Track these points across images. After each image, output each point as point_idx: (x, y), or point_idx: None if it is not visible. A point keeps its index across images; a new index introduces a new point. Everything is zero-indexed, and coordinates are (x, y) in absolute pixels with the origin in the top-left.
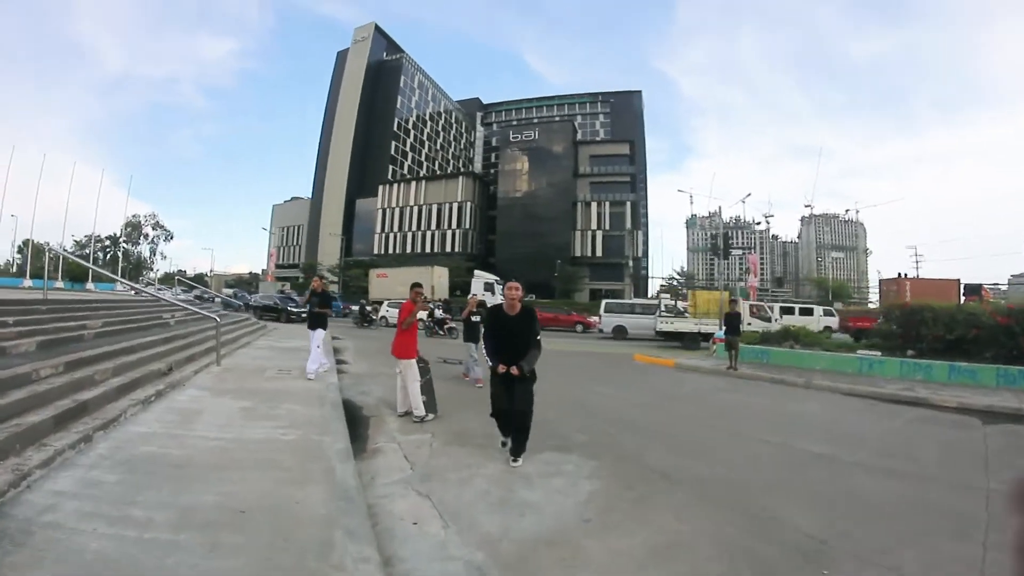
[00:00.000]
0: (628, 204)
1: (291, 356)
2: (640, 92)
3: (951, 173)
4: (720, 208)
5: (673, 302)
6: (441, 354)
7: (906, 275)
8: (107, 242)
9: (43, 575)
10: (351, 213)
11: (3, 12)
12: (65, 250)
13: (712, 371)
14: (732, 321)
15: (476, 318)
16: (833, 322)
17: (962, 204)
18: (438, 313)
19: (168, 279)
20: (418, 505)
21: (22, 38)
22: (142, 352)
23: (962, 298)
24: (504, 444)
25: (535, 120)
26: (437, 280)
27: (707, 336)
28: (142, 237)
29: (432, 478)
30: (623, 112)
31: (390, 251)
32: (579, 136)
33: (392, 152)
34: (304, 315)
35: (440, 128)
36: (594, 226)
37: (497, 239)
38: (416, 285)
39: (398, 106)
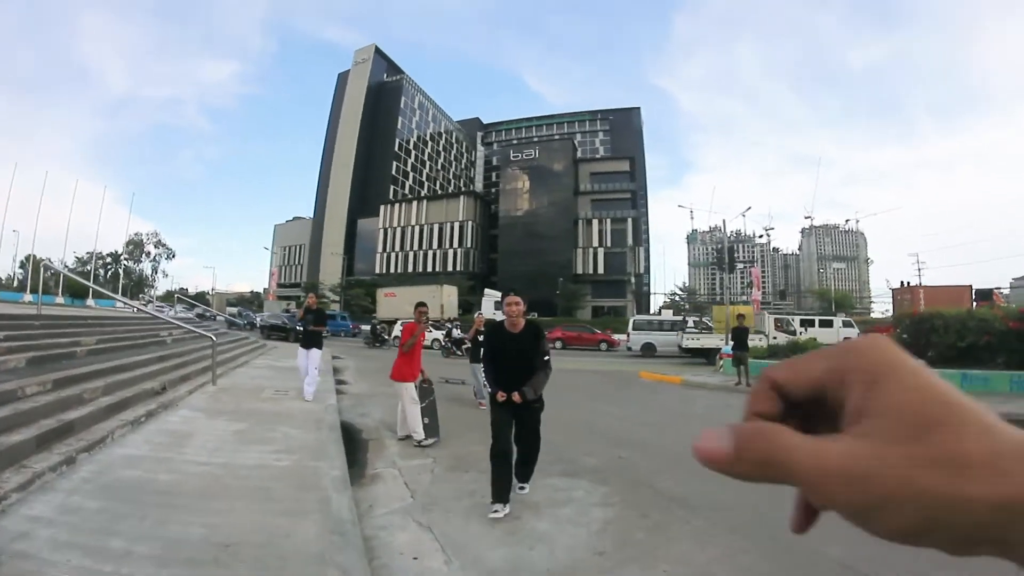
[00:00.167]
0: (629, 221)
1: (290, 376)
2: (639, 109)
3: (950, 179)
4: (724, 221)
5: (700, 317)
6: (445, 374)
7: (909, 283)
8: (108, 259)
9: None
10: (353, 233)
11: (11, 34)
12: (66, 266)
13: (721, 387)
14: (740, 336)
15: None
16: (852, 333)
17: (962, 209)
18: (456, 333)
19: (169, 297)
20: (419, 538)
21: (28, 59)
22: (136, 371)
23: (974, 303)
24: (495, 511)
25: (535, 139)
26: (446, 299)
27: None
28: (144, 255)
29: (434, 507)
30: (623, 129)
31: (392, 270)
32: (579, 154)
33: (393, 172)
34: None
35: (441, 148)
36: (595, 243)
37: (499, 258)
38: (420, 304)
39: (399, 127)
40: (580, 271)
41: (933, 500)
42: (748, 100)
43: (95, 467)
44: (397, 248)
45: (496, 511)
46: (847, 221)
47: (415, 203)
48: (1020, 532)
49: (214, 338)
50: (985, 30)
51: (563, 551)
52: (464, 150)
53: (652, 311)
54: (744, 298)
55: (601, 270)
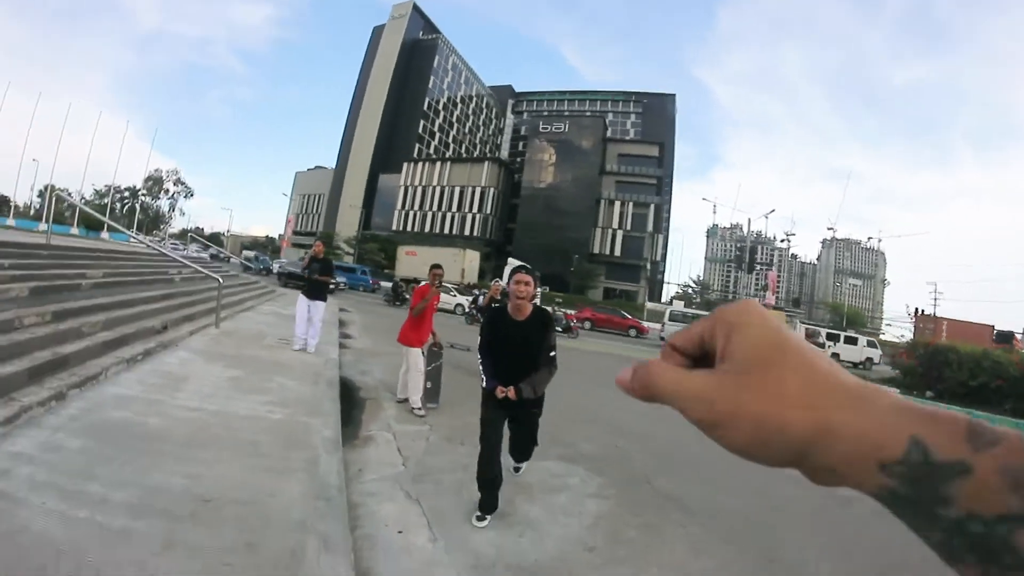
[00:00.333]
0: (652, 206)
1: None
2: (674, 96)
3: (979, 211)
4: (749, 220)
5: None
6: (462, 340)
7: (923, 311)
8: (126, 193)
9: None
10: (373, 187)
11: None
12: (83, 198)
13: None
14: None
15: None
16: (875, 354)
17: (987, 243)
18: (482, 300)
19: (183, 235)
20: (406, 510)
21: None
22: (139, 307)
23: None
24: (480, 518)
25: (566, 113)
26: (468, 264)
27: None
28: (162, 192)
29: (425, 478)
30: (655, 114)
31: (409, 229)
32: (609, 133)
33: (420, 131)
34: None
35: (470, 111)
36: (615, 225)
37: (517, 228)
38: (435, 267)
39: (430, 86)
40: (596, 251)
41: (761, 421)
42: (784, 102)
43: (84, 404)
44: (416, 207)
45: (482, 518)
46: (869, 238)
47: (438, 164)
48: (819, 450)
49: (220, 280)
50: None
51: (553, 542)
52: (493, 116)
53: (664, 300)
54: (758, 300)
55: (618, 252)
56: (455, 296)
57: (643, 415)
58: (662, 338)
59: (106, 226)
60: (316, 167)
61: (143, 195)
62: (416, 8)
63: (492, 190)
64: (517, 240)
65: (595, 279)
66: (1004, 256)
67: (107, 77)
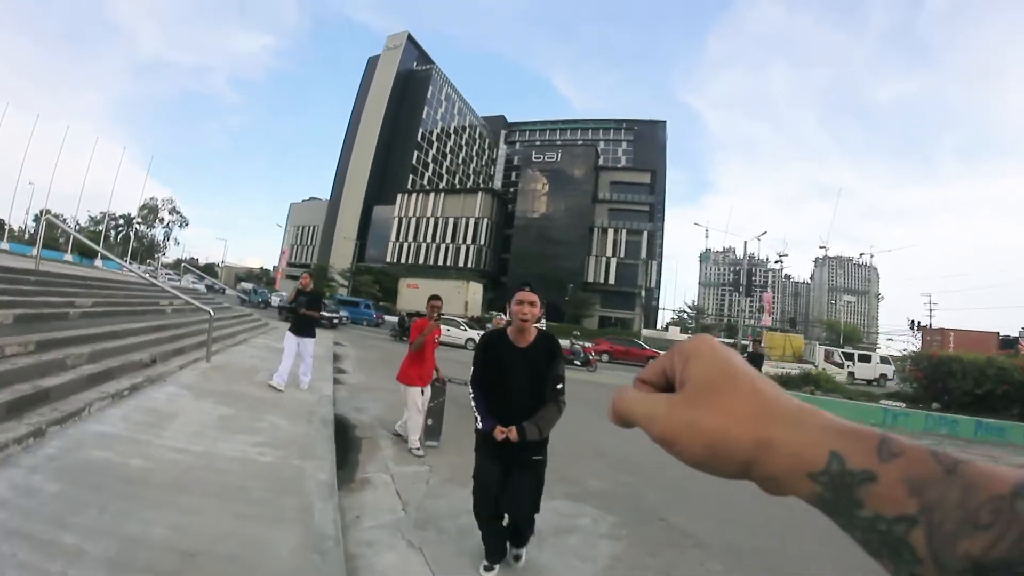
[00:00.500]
0: (645, 233)
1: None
2: (664, 122)
3: (969, 223)
4: (745, 243)
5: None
6: (455, 373)
7: (919, 323)
8: (121, 221)
9: None
10: (367, 218)
11: None
12: (78, 224)
13: None
14: (755, 361)
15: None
16: (889, 370)
17: (978, 253)
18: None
19: (177, 265)
20: (407, 560)
21: (62, 8)
22: (127, 339)
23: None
24: (488, 568)
25: (558, 142)
26: (472, 296)
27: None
28: (157, 220)
29: (427, 524)
30: (646, 141)
31: (403, 260)
32: (601, 161)
33: (414, 161)
34: (333, 319)
35: (463, 142)
36: (609, 253)
37: (511, 258)
38: (433, 298)
39: (423, 116)
40: (591, 279)
41: (712, 438)
42: (773, 123)
43: (64, 443)
44: (410, 238)
45: (490, 568)
46: (861, 255)
47: (432, 195)
48: (762, 463)
49: (211, 312)
50: (1020, 79)
51: None
52: (487, 146)
53: (659, 327)
54: (753, 322)
55: (612, 280)
56: (465, 330)
57: (650, 448)
58: None
59: (99, 254)
60: (311, 198)
61: (138, 223)
62: (411, 39)
63: (486, 220)
64: (511, 270)
65: (590, 308)
66: (994, 263)
67: (105, 100)
